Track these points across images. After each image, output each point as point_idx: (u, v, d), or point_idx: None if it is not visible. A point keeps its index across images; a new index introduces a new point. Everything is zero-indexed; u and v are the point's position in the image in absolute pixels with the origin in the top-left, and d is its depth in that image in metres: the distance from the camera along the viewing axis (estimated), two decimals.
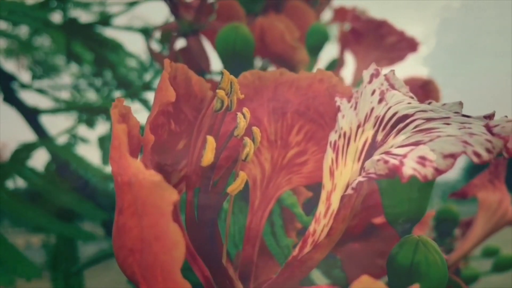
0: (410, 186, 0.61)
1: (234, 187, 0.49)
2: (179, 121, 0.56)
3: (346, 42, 1.33)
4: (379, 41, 1.28)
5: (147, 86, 1.55)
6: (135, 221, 0.36)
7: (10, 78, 1.49)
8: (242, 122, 0.50)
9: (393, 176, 0.38)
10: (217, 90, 0.49)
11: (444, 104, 0.47)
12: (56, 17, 1.58)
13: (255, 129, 0.52)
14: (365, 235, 0.92)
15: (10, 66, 1.94)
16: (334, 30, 1.48)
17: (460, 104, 0.46)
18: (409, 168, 0.36)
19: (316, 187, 0.94)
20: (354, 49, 1.32)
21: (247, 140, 0.51)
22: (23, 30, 1.68)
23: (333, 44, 1.45)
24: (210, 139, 0.46)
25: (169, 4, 1.11)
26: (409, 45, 1.28)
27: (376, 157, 0.41)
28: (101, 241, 1.48)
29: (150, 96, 1.78)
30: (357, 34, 1.29)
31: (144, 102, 1.59)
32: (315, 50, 1.12)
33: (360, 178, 0.42)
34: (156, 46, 1.44)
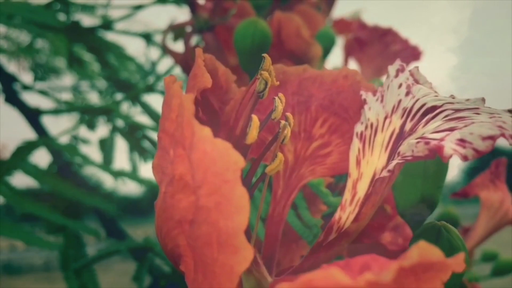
0: (423, 180, 0.63)
1: (273, 167, 0.51)
2: (206, 110, 0.57)
3: (350, 49, 1.36)
4: (383, 49, 1.31)
5: (150, 89, 1.57)
6: (188, 192, 0.37)
7: (12, 79, 1.50)
8: (280, 106, 0.52)
9: (433, 157, 0.40)
10: (261, 72, 0.51)
11: (468, 100, 0.49)
12: (59, 20, 1.59)
13: (289, 114, 0.54)
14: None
15: (11, 67, 1.94)
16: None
17: (483, 100, 0.49)
18: (450, 148, 0.39)
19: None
20: (358, 56, 1.35)
21: (285, 123, 0.53)
22: (25, 32, 1.69)
23: (336, 51, 1.48)
24: (255, 118, 0.47)
25: (187, 1, 1.14)
26: (412, 53, 1.32)
27: (413, 140, 0.43)
28: (101, 242, 1.49)
29: (150, 99, 1.79)
30: (362, 42, 1.32)
31: (144, 105, 1.60)
32: (323, 54, 1.15)
33: (397, 161, 0.44)
34: (171, 43, 1.45)
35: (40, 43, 1.88)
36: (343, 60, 1.40)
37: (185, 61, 1.15)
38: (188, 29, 1.20)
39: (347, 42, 1.39)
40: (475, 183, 1.09)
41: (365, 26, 1.32)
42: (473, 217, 1.31)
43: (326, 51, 1.15)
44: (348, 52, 1.37)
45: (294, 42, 1.06)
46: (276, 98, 0.53)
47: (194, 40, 1.22)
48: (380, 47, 1.30)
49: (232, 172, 0.34)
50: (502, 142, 0.41)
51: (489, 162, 1.13)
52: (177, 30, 1.39)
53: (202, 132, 0.36)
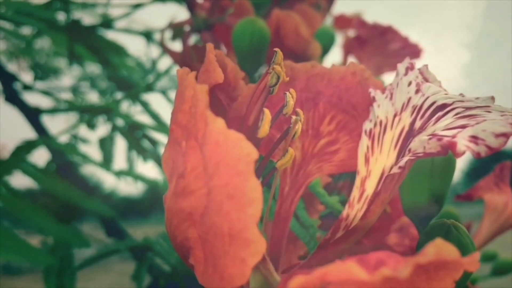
0: (431, 177, 0.63)
1: (283, 162, 0.51)
2: (214, 106, 0.57)
3: (350, 47, 1.36)
4: (383, 47, 1.31)
5: (149, 88, 1.56)
6: (200, 184, 0.37)
7: (12, 78, 1.49)
8: (291, 101, 0.52)
9: (445, 154, 0.40)
10: (273, 66, 0.51)
11: (477, 98, 0.49)
12: (59, 19, 1.58)
13: (299, 110, 0.54)
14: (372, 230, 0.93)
15: (10, 67, 1.93)
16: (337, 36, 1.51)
17: (492, 98, 0.49)
18: (463, 145, 0.39)
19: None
20: (358, 54, 1.34)
21: (297, 118, 0.53)
22: (25, 32, 1.68)
23: (336, 49, 1.48)
24: (267, 112, 0.47)
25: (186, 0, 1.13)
26: (412, 51, 1.31)
27: (424, 137, 0.43)
28: (101, 242, 1.48)
29: (150, 98, 1.79)
30: (361, 40, 1.32)
31: (145, 104, 1.60)
32: (322, 52, 1.14)
33: (408, 157, 0.44)
34: (169, 43, 1.45)
35: (40, 43, 1.87)
36: (343, 58, 1.40)
37: (183, 60, 1.14)
38: (187, 28, 1.20)
39: (346, 40, 1.39)
40: (479, 185, 1.09)
41: (364, 24, 1.32)
42: (472, 218, 1.31)
43: (326, 49, 1.14)
44: (348, 50, 1.37)
45: (293, 40, 1.06)
46: (288, 93, 0.52)
47: (192, 39, 1.22)
48: (380, 45, 1.30)
49: (245, 164, 0.34)
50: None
51: (489, 163, 1.13)
52: (175, 29, 1.38)
53: (215, 123, 0.35)
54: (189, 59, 1.11)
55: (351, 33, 1.40)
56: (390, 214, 0.79)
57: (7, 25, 1.51)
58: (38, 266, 0.99)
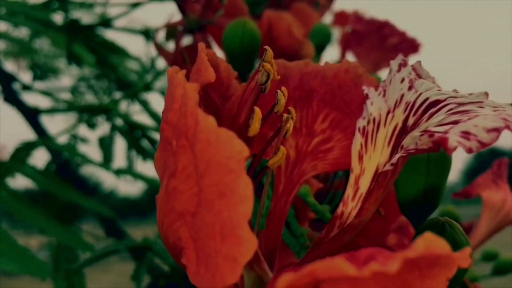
0: (426, 175, 0.63)
1: (275, 161, 0.51)
2: (207, 105, 0.57)
3: (347, 43, 1.36)
4: (380, 42, 1.30)
5: (148, 87, 1.57)
6: (191, 183, 0.37)
7: (11, 78, 1.49)
8: (282, 99, 0.52)
9: (437, 149, 0.40)
10: (263, 64, 0.51)
11: (471, 94, 0.49)
12: (57, 18, 1.59)
13: (291, 108, 0.54)
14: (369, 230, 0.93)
15: (9, 67, 1.94)
16: (335, 33, 1.51)
17: (486, 94, 0.49)
18: (454, 141, 0.38)
19: (326, 179, 0.95)
20: (356, 50, 1.34)
21: (288, 116, 0.53)
22: (23, 32, 1.68)
23: (334, 46, 1.47)
24: (257, 110, 0.47)
25: (177, 0, 1.13)
26: (410, 46, 1.31)
27: (416, 133, 0.43)
28: (100, 241, 1.48)
29: (149, 97, 1.79)
30: (359, 35, 1.32)
31: (144, 103, 1.60)
32: (318, 50, 1.14)
33: (400, 154, 0.44)
34: (162, 43, 1.45)
35: (39, 43, 1.87)
36: (341, 54, 1.39)
37: (176, 61, 1.14)
38: (180, 28, 1.20)
39: (344, 36, 1.39)
40: (477, 183, 1.08)
41: (361, 19, 1.31)
42: (472, 218, 1.31)
43: (321, 47, 1.14)
44: (346, 46, 1.37)
45: (286, 41, 1.06)
46: (279, 91, 0.52)
47: (186, 40, 1.21)
48: (377, 40, 1.29)
49: (236, 161, 0.34)
50: (503, 143, 0.40)
51: (488, 163, 1.13)
52: (169, 30, 1.38)
53: (206, 121, 0.35)
54: (182, 60, 1.11)
55: (349, 28, 1.39)
56: (386, 215, 0.79)
57: (4, 25, 1.51)
58: (36, 276, 0.98)
